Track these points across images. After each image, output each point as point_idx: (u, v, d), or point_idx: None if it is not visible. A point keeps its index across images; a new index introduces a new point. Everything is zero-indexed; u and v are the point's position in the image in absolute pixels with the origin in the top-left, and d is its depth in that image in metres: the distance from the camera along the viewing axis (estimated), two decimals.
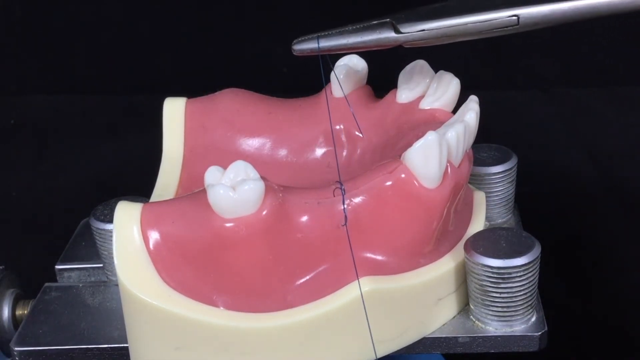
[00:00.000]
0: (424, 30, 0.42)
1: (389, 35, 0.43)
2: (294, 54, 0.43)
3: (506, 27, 0.42)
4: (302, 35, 0.44)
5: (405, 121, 0.48)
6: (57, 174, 0.85)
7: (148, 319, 0.40)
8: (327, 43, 0.43)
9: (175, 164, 0.50)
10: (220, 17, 0.93)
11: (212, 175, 0.40)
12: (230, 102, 0.51)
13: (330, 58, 0.47)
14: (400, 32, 0.42)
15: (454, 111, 0.46)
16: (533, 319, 0.44)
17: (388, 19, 0.43)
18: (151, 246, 0.40)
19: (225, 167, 0.40)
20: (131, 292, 0.40)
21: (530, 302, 0.44)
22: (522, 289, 0.43)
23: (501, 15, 0.42)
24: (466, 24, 0.42)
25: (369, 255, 0.42)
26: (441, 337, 0.44)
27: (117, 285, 0.41)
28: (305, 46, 0.43)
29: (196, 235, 0.40)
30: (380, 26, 0.43)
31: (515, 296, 0.43)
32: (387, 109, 0.49)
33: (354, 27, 0.43)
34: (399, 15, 0.43)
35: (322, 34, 0.43)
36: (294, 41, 0.43)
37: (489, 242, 0.44)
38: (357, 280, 0.41)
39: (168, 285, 0.40)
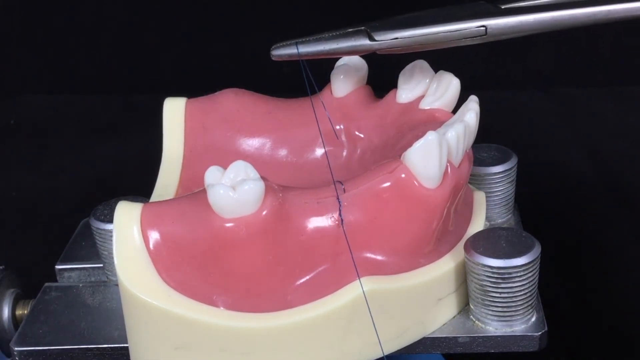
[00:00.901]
0: (397, 38, 0.44)
1: (363, 42, 0.44)
2: (273, 59, 0.44)
3: (474, 36, 0.44)
4: (303, 35, 0.44)
5: (405, 121, 0.48)
6: (57, 174, 0.85)
7: (148, 319, 0.40)
8: (305, 49, 0.44)
9: (175, 164, 0.50)
10: (220, 17, 0.93)
11: (212, 175, 0.40)
12: (230, 102, 0.51)
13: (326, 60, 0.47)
14: (374, 40, 0.44)
15: (454, 111, 0.46)
16: (533, 319, 0.44)
17: (363, 27, 0.44)
18: (151, 246, 0.40)
19: (225, 167, 0.40)
20: (131, 292, 0.40)
21: (530, 302, 0.44)
22: (522, 289, 0.43)
23: (470, 25, 0.44)
24: (437, 33, 0.44)
25: (369, 255, 0.42)
26: (441, 337, 0.44)
27: (117, 285, 0.41)
28: (283, 52, 0.44)
29: (196, 235, 0.40)
30: (356, 34, 0.44)
31: (515, 296, 0.43)
32: (387, 109, 0.49)
33: (331, 34, 0.44)
34: (374, 24, 0.44)
35: (300, 40, 0.44)
36: (273, 47, 0.44)
37: (489, 242, 0.44)
38: (357, 281, 0.41)
39: (168, 285, 0.40)
